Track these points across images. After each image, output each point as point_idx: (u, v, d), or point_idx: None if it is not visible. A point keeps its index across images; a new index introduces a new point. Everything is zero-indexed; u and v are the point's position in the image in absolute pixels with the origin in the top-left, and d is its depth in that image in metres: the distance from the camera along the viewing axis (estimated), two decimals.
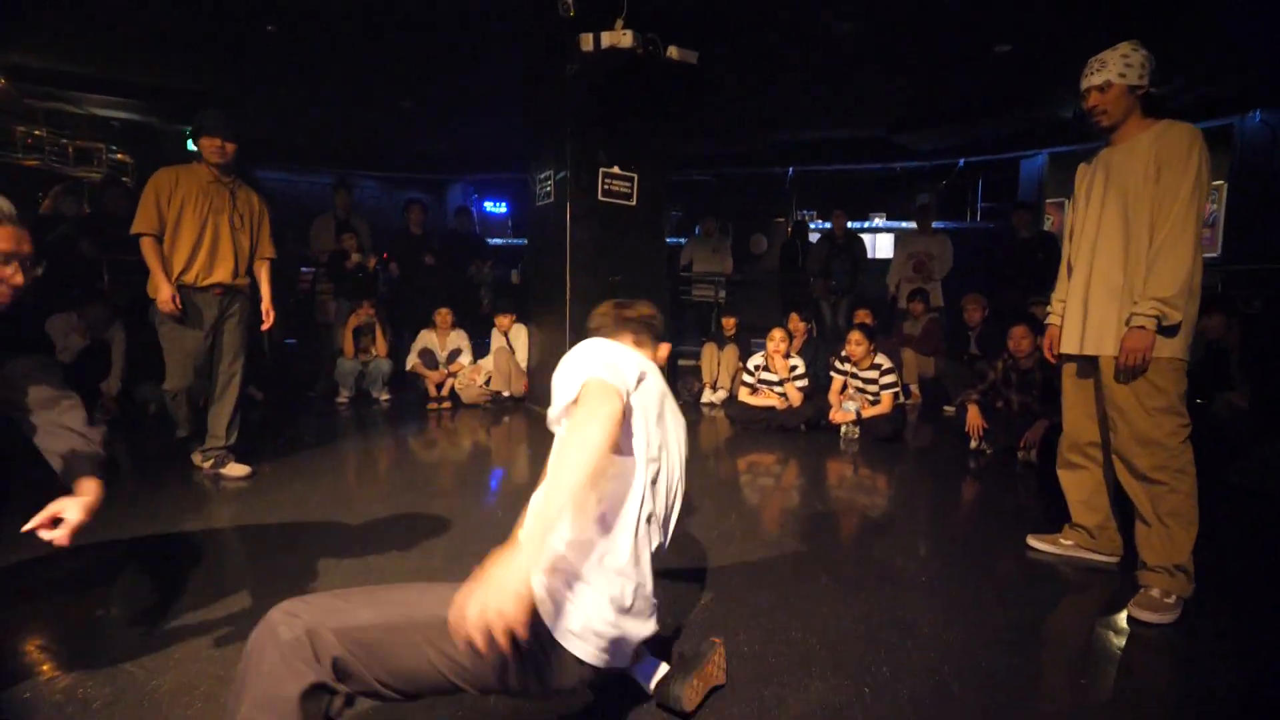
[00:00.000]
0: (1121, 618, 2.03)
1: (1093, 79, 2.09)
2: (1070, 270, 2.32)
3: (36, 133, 6.91)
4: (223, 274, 3.16)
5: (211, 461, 3.25)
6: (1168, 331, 1.99)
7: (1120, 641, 1.88)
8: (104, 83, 6.29)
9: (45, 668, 1.62)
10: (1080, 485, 2.41)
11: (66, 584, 2.06)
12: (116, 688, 1.53)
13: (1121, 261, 2.08)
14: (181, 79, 6.28)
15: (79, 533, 1.34)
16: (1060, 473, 2.46)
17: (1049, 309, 2.45)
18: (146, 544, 2.42)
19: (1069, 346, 2.26)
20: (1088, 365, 2.25)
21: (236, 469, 3.25)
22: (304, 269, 6.38)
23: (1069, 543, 2.44)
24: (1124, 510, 2.26)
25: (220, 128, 3.12)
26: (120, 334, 4.54)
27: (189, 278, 3.09)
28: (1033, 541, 2.52)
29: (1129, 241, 2.06)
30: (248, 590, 2.03)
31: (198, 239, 3.09)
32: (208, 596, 1.99)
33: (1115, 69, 2.04)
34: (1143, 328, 1.98)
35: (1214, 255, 6.81)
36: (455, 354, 5.45)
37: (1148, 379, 2.04)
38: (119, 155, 7.24)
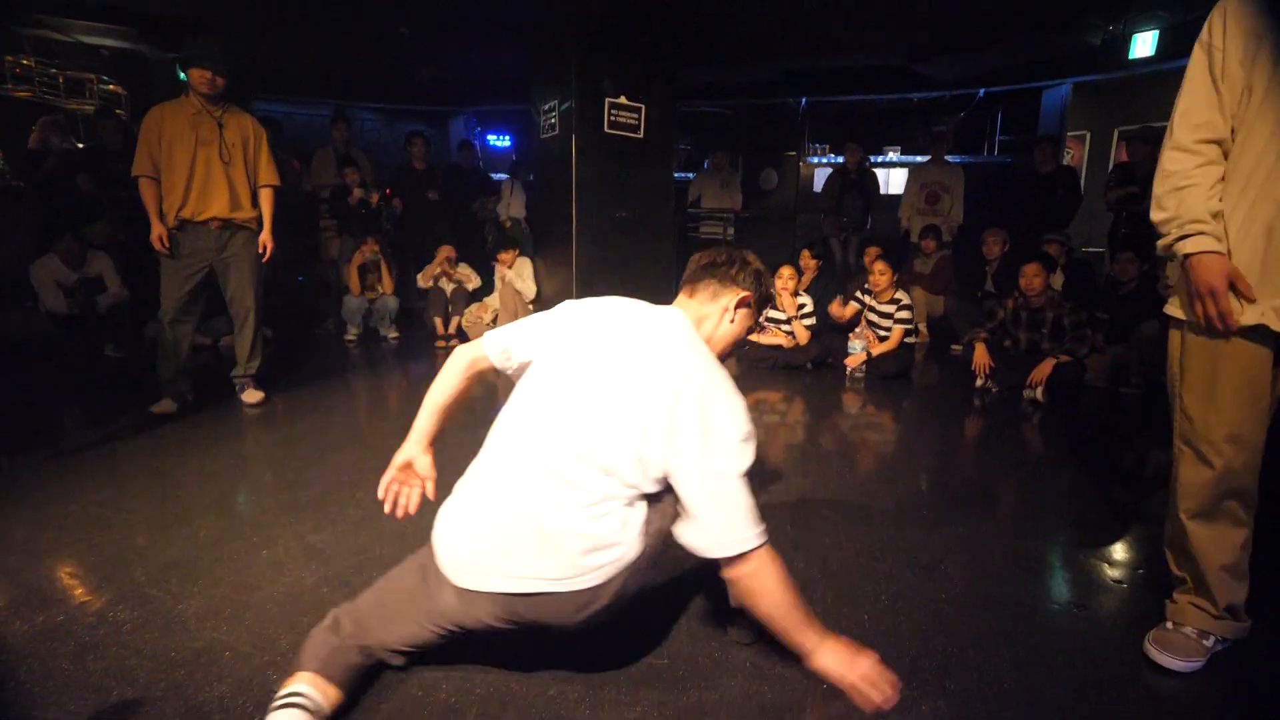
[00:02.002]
0: (1117, 550, 2.07)
1: None
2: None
3: (25, 62, 6.69)
4: (218, 207, 3.15)
5: (236, 388, 3.40)
6: None
7: (1116, 574, 1.93)
8: (90, 8, 6.04)
9: (78, 593, 1.69)
10: (1231, 547, 1.44)
11: (94, 514, 2.13)
12: (145, 611, 1.60)
13: None
14: (171, 5, 6.02)
15: None
16: (1194, 527, 1.44)
17: (1183, 233, 1.35)
18: (168, 475, 2.48)
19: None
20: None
21: (252, 395, 3.38)
22: None
23: (1211, 640, 1.47)
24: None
25: (211, 60, 3.07)
26: (107, 262, 4.50)
27: (186, 212, 3.11)
28: (1165, 660, 1.47)
29: None
30: (267, 520, 2.10)
31: (189, 174, 3.09)
32: (228, 526, 2.06)
33: None
34: None
35: None
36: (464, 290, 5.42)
37: None
38: (111, 86, 7.02)
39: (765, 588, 1.25)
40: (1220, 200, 1.35)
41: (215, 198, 3.15)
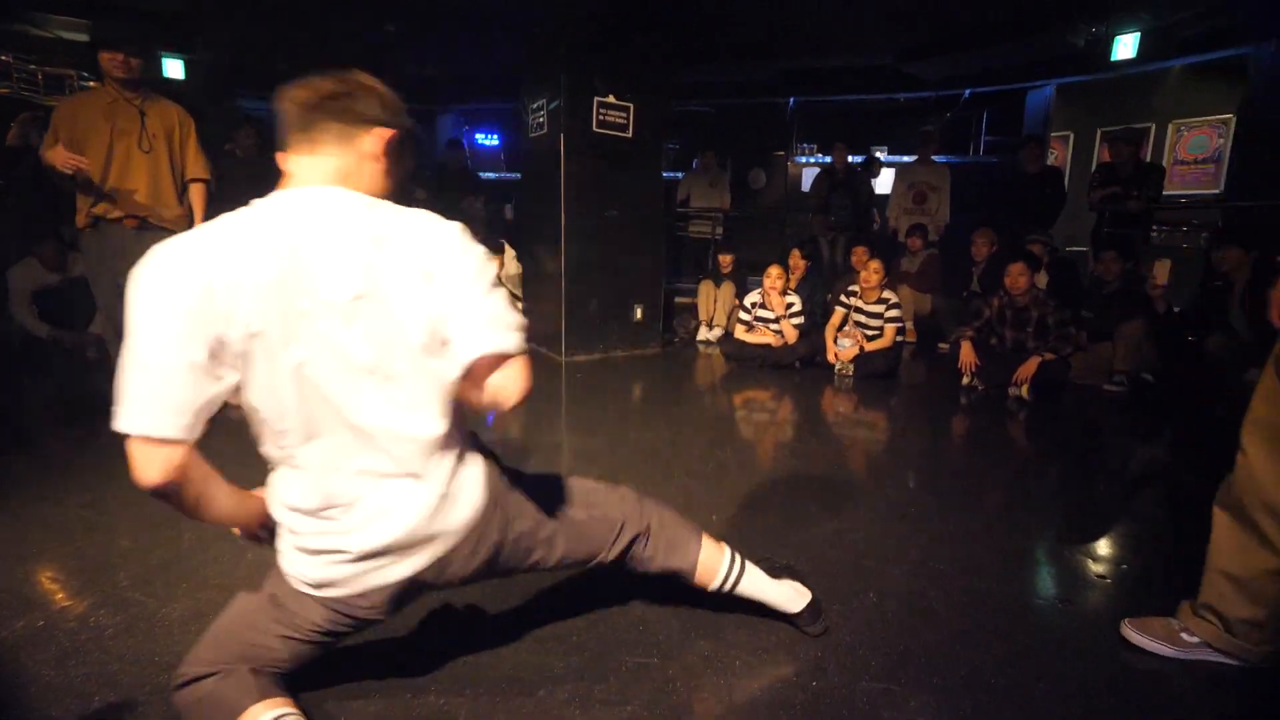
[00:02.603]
0: (1101, 545, 2.10)
1: None
2: None
3: (3, 58, 6.58)
4: (136, 200, 2.87)
5: None
6: None
7: (1100, 569, 1.95)
8: (69, 3, 5.94)
9: (59, 597, 1.67)
10: (1244, 559, 1.43)
11: (77, 517, 2.10)
12: (129, 616, 1.58)
13: None
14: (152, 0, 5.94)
15: None
16: (1216, 512, 1.49)
17: None
18: None
19: None
20: None
21: None
22: None
23: (1195, 639, 1.50)
24: None
25: (122, 40, 2.80)
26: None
27: (99, 208, 2.84)
28: (1135, 636, 1.55)
29: None
30: None
31: (105, 166, 2.81)
32: (213, 528, 2.03)
33: None
34: None
35: (1216, 192, 6.71)
36: None
37: None
38: (91, 83, 6.93)
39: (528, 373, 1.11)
40: None
41: (133, 190, 2.86)
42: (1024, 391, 3.78)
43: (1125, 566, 1.97)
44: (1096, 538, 2.16)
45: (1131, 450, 3.19)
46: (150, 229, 2.93)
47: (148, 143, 2.89)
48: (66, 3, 5.91)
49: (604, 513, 1.37)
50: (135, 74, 2.86)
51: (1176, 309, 4.59)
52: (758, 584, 1.50)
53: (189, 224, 3.04)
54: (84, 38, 6.49)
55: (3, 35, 6.49)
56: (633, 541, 1.39)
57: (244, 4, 5.93)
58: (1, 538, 1.96)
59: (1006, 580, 1.86)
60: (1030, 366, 3.75)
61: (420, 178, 6.10)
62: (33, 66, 6.66)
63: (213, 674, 1.13)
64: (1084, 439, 3.41)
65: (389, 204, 1.09)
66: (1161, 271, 4.60)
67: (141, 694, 1.32)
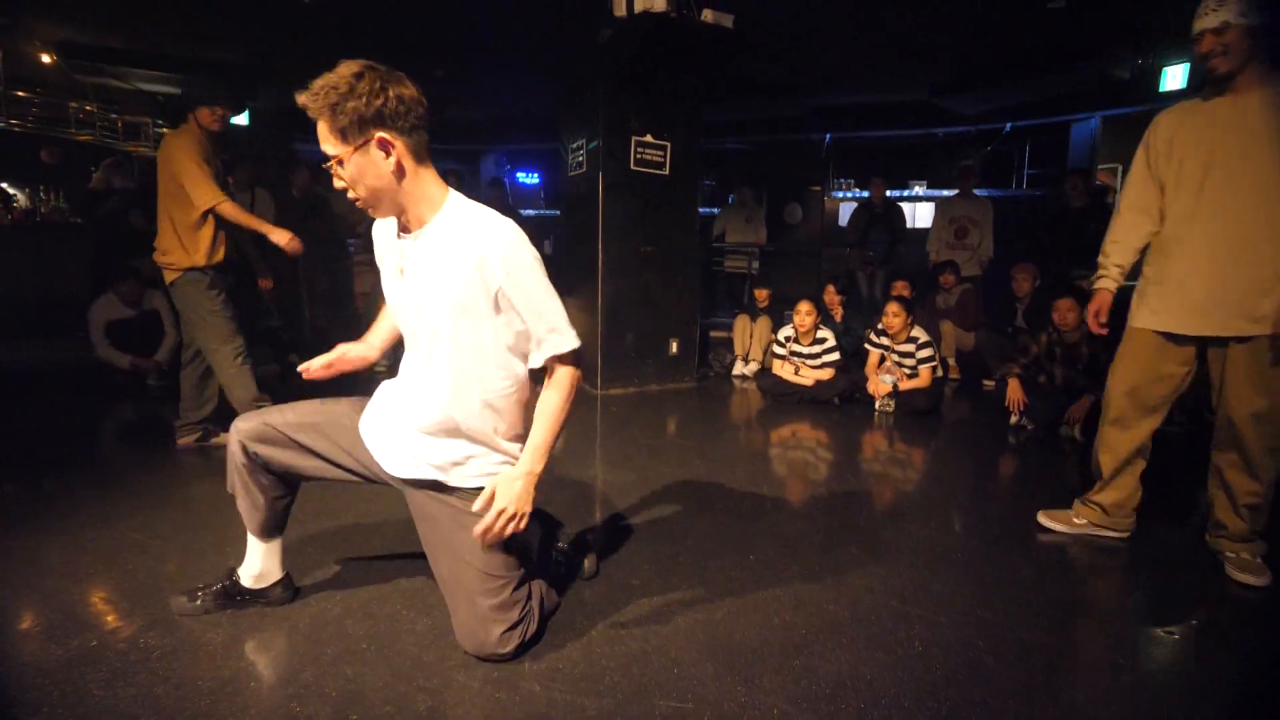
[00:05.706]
0: (1166, 598, 1.98)
1: (1207, 20, 1.89)
2: (1137, 238, 2.17)
3: (88, 108, 7.12)
4: (230, 246, 3.09)
5: (198, 435, 3.20)
6: None
7: (1161, 619, 1.83)
8: (148, 57, 6.42)
9: (110, 619, 1.72)
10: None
11: (128, 540, 2.18)
12: (175, 639, 1.62)
13: (1267, 228, 1.89)
14: (222, 52, 6.37)
15: None
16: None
17: (1101, 273, 2.23)
18: (200, 502, 2.53)
19: (1194, 326, 2.02)
20: (1211, 349, 2.06)
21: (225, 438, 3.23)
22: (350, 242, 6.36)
23: (1082, 521, 2.39)
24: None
25: (222, 96, 2.97)
26: (163, 301, 4.56)
27: (218, 257, 3.00)
28: (1045, 521, 2.47)
29: (1271, 204, 1.87)
30: (293, 550, 2.11)
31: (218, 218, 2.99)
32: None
33: (1234, 8, 1.84)
34: None
35: None
36: None
37: None
38: (165, 130, 7.43)
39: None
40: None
41: (229, 238, 3.09)
42: (1076, 432, 3.64)
43: (1194, 622, 1.85)
44: (1160, 589, 2.04)
45: (1193, 495, 3.02)
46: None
47: (231, 190, 3.17)
48: (147, 59, 6.37)
49: None
50: (225, 127, 3.07)
51: None
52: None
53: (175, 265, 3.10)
54: (162, 89, 6.97)
55: (86, 87, 7.02)
56: None
57: (302, 57, 6.30)
58: (61, 559, 2.05)
59: (1061, 633, 1.76)
60: (1083, 405, 3.61)
61: None
62: (114, 115, 7.17)
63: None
64: (1141, 482, 3.24)
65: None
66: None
67: (183, 718, 1.34)
